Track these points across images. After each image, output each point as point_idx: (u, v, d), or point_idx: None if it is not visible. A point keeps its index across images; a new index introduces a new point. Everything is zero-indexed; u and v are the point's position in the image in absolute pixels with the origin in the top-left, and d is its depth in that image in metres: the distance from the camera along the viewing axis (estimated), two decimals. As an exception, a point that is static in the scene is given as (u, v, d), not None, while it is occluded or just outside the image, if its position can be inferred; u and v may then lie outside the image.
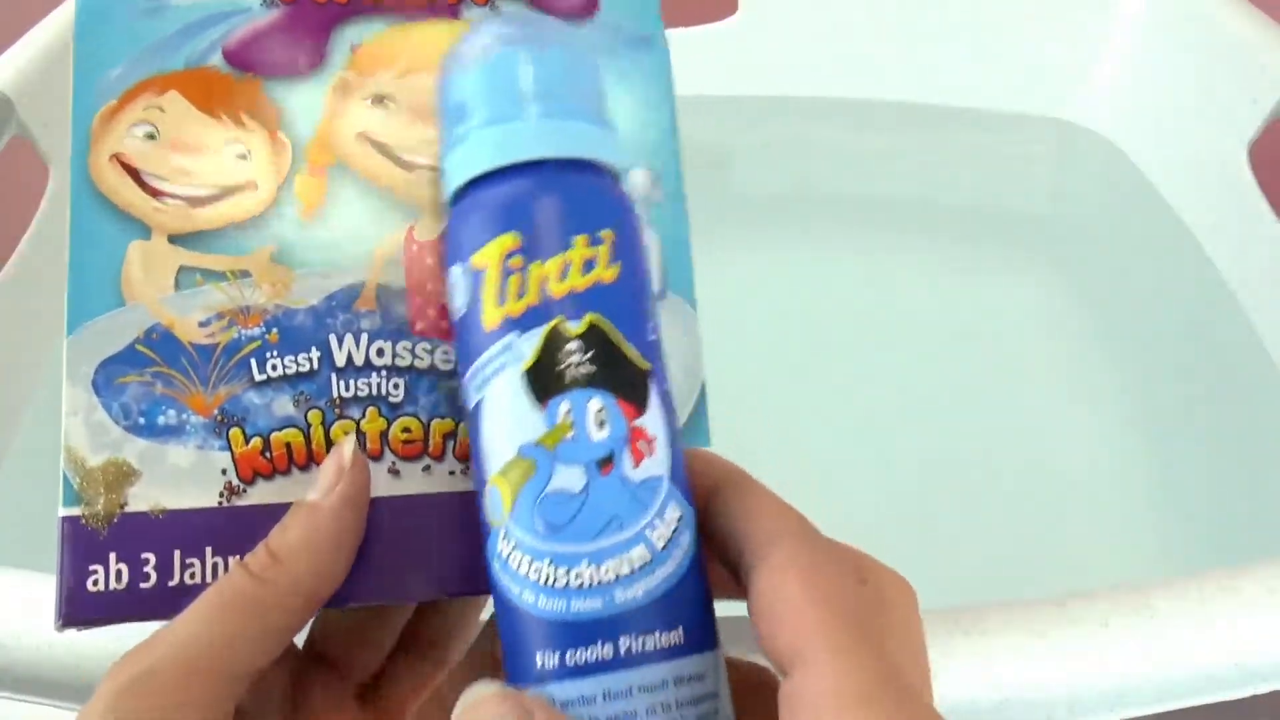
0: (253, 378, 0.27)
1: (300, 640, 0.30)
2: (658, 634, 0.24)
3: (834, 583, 0.23)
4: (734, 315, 0.74)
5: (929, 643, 0.24)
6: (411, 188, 0.29)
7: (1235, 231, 0.68)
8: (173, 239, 0.27)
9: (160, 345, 0.27)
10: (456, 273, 0.26)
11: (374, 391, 0.27)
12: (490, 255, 0.25)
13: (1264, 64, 0.65)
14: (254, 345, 0.27)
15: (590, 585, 0.24)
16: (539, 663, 0.24)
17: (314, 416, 0.27)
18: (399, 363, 0.28)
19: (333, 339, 0.27)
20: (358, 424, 0.27)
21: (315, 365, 0.27)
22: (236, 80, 0.29)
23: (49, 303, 0.36)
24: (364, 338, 0.27)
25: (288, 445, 0.27)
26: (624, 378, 0.25)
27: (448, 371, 0.28)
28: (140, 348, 0.27)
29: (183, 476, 0.26)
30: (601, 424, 0.24)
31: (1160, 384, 0.69)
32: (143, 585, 0.26)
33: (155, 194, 0.28)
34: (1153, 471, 0.65)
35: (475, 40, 0.27)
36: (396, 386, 0.27)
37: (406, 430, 0.27)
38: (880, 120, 0.86)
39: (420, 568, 0.27)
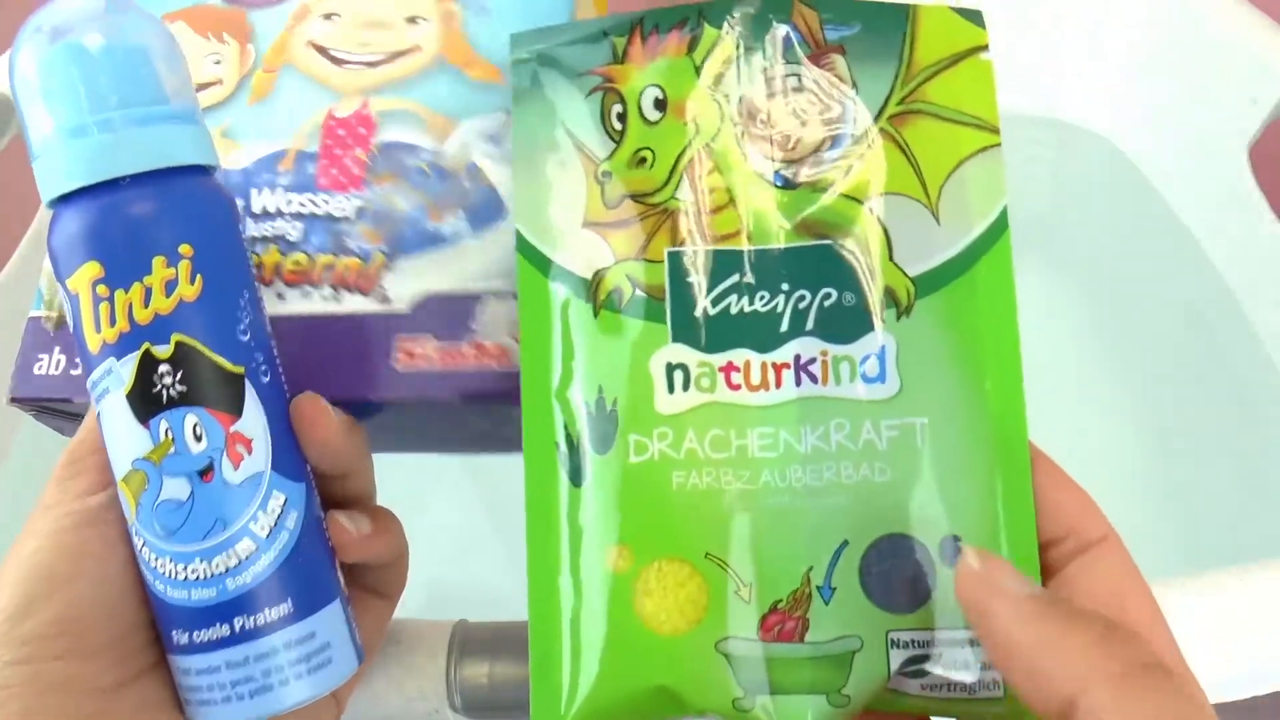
0: None
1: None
2: (266, 611, 0.27)
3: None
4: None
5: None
6: (339, 78, 0.35)
7: (1235, 231, 0.68)
8: None
9: None
10: (61, 292, 0.27)
11: (277, 232, 0.33)
12: (80, 283, 0.27)
13: (1264, 64, 0.65)
14: None
15: (205, 578, 0.27)
16: (175, 639, 0.27)
17: None
18: (301, 210, 0.33)
19: (253, 191, 0.33)
20: (259, 257, 0.33)
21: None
22: (224, 10, 0.38)
23: (50, 303, 0.36)
24: (279, 190, 0.33)
25: None
26: (216, 389, 0.27)
27: (339, 218, 0.33)
28: None
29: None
30: (199, 437, 0.27)
31: (1160, 384, 0.69)
32: (72, 371, 0.32)
33: None
34: (1153, 471, 0.65)
35: (47, 17, 0.27)
36: (295, 229, 0.33)
37: (296, 263, 0.33)
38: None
39: (315, 377, 0.30)
